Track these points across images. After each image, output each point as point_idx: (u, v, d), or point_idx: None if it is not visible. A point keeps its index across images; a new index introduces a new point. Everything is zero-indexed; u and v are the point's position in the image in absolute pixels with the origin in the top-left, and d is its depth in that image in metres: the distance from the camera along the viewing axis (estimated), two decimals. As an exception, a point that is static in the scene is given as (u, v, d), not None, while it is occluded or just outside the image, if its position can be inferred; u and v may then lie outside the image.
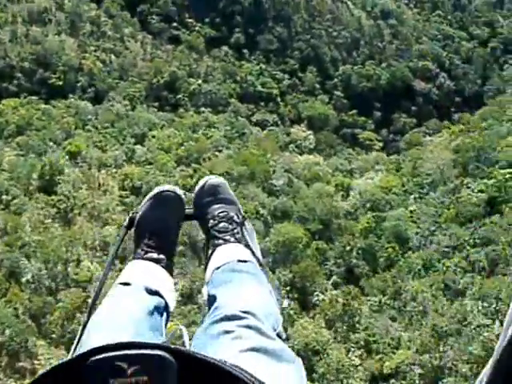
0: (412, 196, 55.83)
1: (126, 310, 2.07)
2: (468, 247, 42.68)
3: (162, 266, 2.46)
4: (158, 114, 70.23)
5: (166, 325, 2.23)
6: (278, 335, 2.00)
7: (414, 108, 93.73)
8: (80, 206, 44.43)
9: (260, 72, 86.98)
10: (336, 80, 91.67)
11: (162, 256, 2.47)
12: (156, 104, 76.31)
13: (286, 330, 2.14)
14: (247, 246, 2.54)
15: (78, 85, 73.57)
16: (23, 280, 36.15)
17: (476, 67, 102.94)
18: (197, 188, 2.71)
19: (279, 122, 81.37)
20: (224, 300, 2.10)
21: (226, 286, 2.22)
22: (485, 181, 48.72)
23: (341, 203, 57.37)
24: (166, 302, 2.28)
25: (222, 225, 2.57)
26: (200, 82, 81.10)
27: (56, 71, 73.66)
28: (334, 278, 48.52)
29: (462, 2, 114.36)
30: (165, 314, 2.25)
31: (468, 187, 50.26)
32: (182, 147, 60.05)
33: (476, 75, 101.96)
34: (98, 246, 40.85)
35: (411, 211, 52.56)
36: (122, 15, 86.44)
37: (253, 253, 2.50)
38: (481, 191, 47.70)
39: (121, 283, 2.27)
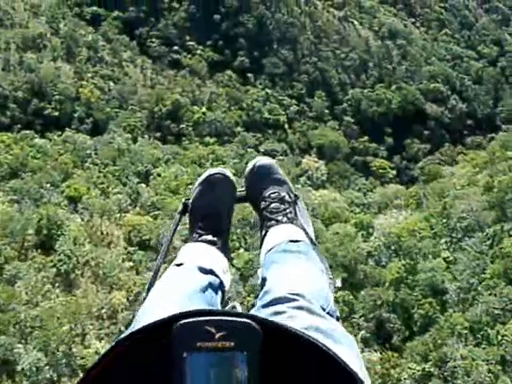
0: (443, 241, 51.18)
1: (180, 287, 2.06)
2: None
3: (217, 248, 2.43)
4: (161, 148, 65.45)
5: (221, 303, 2.22)
6: (329, 314, 1.95)
7: (426, 132, 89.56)
8: (83, 263, 39.60)
9: (266, 98, 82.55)
10: (345, 105, 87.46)
11: (216, 238, 2.45)
12: (158, 134, 71.72)
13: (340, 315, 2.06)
14: (300, 225, 2.48)
15: (75, 115, 68.89)
16: (18, 368, 31.07)
17: (487, 88, 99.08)
18: (247, 170, 2.67)
19: (288, 151, 76.87)
20: (274, 283, 2.06)
21: (277, 267, 2.19)
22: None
23: (362, 244, 52.82)
24: (220, 281, 2.25)
25: (273, 205, 2.54)
26: (204, 109, 76.66)
27: (51, 101, 68.99)
28: (363, 332, 43.97)
29: (468, 20, 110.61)
30: (220, 292, 2.23)
31: (510, 235, 45.69)
32: (191, 186, 55.41)
33: (488, 96, 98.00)
34: (104, 314, 36.03)
35: (446, 260, 48.01)
36: (120, 39, 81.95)
37: (305, 232, 2.44)
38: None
39: (175, 265, 2.26)
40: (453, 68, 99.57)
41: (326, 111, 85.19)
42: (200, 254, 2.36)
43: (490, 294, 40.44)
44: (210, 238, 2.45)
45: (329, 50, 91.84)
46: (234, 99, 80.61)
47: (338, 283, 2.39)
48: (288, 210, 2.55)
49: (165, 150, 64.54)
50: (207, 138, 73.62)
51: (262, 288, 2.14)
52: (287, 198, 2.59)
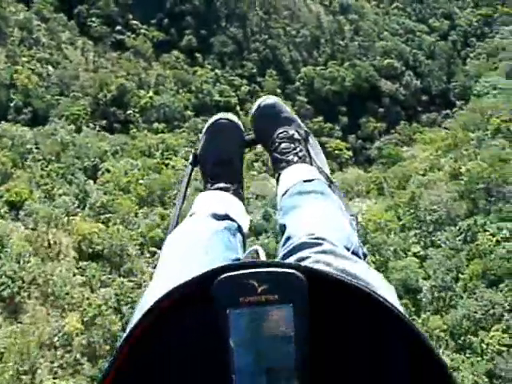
0: (412, 233, 48.73)
1: (195, 237, 2.00)
2: (506, 315, 35.73)
3: (231, 193, 2.38)
4: (107, 138, 60.74)
5: (243, 246, 2.17)
6: (354, 253, 1.87)
7: (380, 110, 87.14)
8: (28, 282, 35.38)
9: (216, 79, 78.39)
10: (298, 84, 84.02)
11: (229, 184, 2.41)
12: (104, 122, 66.95)
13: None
14: (313, 163, 2.44)
15: (11, 104, 63.37)
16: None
17: (440, 63, 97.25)
18: (252, 112, 2.61)
19: (242, 135, 73.10)
20: (293, 228, 2.00)
21: (294, 212, 2.13)
22: (507, 225, 41.97)
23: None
24: (238, 225, 2.19)
25: (283, 145, 2.49)
26: (151, 93, 72.04)
27: (-17, 90, 63.46)
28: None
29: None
30: (239, 235, 2.17)
31: (485, 230, 43.38)
32: (142, 182, 51.44)
33: (441, 72, 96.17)
34: (57, 342, 32.08)
35: (417, 255, 45.61)
36: (57, 18, 75.99)
37: (319, 169, 2.39)
38: (506, 239, 40.80)
39: (189, 216, 2.22)
40: (405, 43, 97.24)
41: (279, 91, 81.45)
42: (213, 201, 2.29)
43: (469, 297, 38.09)
44: (222, 185, 2.39)
45: (279, 27, 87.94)
46: (182, 81, 76.15)
47: (360, 217, 1.95)
48: (298, 149, 2.47)
49: (112, 141, 59.95)
50: (156, 124, 69.30)
51: (282, 235, 2.06)
52: (297, 135, 2.52)
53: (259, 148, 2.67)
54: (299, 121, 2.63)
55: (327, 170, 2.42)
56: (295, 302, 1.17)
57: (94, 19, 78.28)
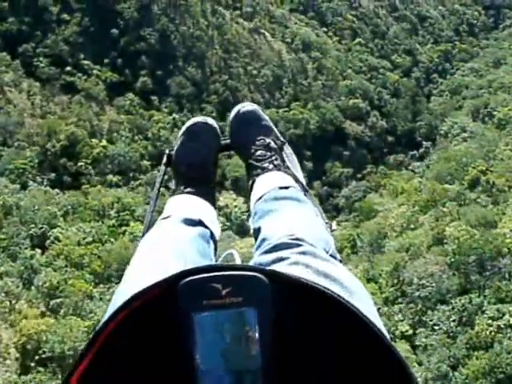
0: (396, 308, 44.28)
1: (170, 242, 1.99)
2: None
3: (203, 198, 2.37)
4: (57, 197, 54.82)
5: (214, 253, 2.18)
6: (332, 256, 1.90)
7: (346, 153, 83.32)
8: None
9: (174, 124, 73.13)
10: (261, 127, 79.48)
11: (202, 188, 2.40)
12: (53, 175, 61.11)
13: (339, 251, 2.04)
14: (288, 171, 2.43)
15: None
16: None
17: (405, 101, 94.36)
18: (230, 117, 2.62)
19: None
20: (270, 230, 1.99)
21: (270, 215, 2.13)
22: (510, 308, 37.76)
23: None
24: (210, 231, 2.20)
25: (259, 153, 2.48)
26: (104, 142, 66.49)
27: None
28: None
29: (380, 28, 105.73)
30: (212, 243, 2.18)
31: (482, 311, 39.14)
32: (97, 252, 45.88)
33: (406, 111, 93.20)
34: None
35: (405, 336, 41.23)
36: None
37: (295, 178, 2.39)
38: (510, 326, 36.56)
39: (162, 219, 2.20)
40: (369, 81, 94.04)
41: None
42: (186, 205, 2.29)
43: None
44: (195, 189, 2.38)
45: (240, 66, 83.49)
46: (138, 128, 70.86)
47: (334, 226, 2.26)
48: (274, 157, 2.48)
49: (62, 201, 54.12)
50: (110, 177, 63.78)
51: (256, 238, 2.06)
52: (273, 144, 2.53)
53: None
54: (276, 130, 2.62)
55: (302, 180, 2.43)
56: (259, 304, 1.18)
57: (41, 59, 72.40)
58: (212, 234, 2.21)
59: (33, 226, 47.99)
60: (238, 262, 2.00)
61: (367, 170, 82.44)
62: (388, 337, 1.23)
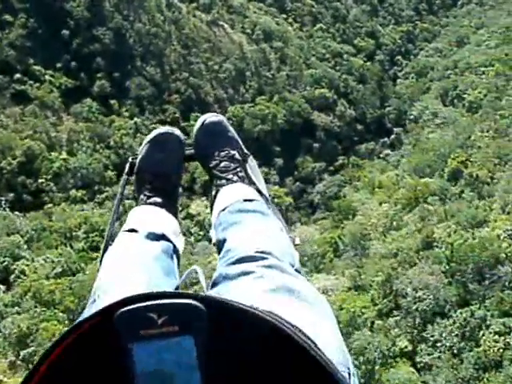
0: (392, 321, 41.73)
1: (134, 258, 2.01)
2: None
3: (167, 210, 2.38)
4: (19, 223, 50.59)
5: (178, 267, 2.20)
6: (297, 271, 1.93)
7: (316, 145, 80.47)
8: None
9: (136, 128, 69.09)
10: (226, 125, 75.88)
11: (165, 199, 2.40)
12: (12, 196, 56.86)
13: (303, 265, 2.06)
14: (252, 183, 2.45)
15: None
16: None
17: (372, 87, 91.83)
18: (196, 128, 2.62)
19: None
20: (235, 242, 2.02)
21: (235, 227, 2.14)
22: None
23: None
24: (174, 245, 2.22)
25: (223, 164, 2.50)
26: (64, 155, 62.25)
27: None
28: None
29: (341, 12, 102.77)
30: (175, 257, 2.19)
31: (487, 325, 36.78)
32: (68, 283, 42.14)
33: (374, 96, 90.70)
34: None
35: (404, 352, 38.77)
36: None
37: (258, 191, 2.41)
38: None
39: (125, 231, 2.19)
40: (334, 68, 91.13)
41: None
42: (149, 218, 2.28)
43: None
44: (158, 199, 2.37)
45: (200, 62, 79.57)
46: (99, 136, 66.62)
47: (297, 241, 2.26)
48: (238, 169, 2.49)
49: (24, 226, 50.02)
50: (73, 192, 59.78)
51: (220, 249, 2.08)
52: (237, 156, 2.53)
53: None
54: (241, 142, 2.61)
55: (266, 193, 2.42)
56: (196, 331, 1.18)
57: (-13, 67, 67.35)
58: (175, 247, 2.20)
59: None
60: (202, 279, 1.90)
61: (339, 162, 79.86)
62: (339, 359, 1.24)
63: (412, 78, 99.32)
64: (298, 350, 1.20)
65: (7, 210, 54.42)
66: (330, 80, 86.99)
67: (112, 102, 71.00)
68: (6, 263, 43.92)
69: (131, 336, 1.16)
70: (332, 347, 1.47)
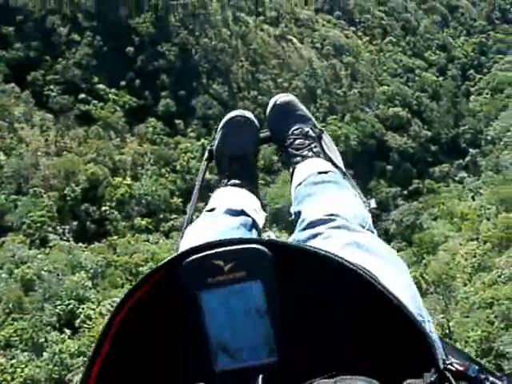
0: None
1: (215, 228, 2.04)
2: None
3: (246, 189, 2.41)
4: (83, 259, 47.38)
5: None
6: (370, 231, 1.93)
7: (389, 167, 75.91)
8: None
9: (203, 150, 65.54)
10: (297, 147, 72.08)
11: (244, 181, 2.44)
12: (75, 224, 53.97)
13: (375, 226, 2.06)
14: (327, 158, 2.45)
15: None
16: None
17: (447, 105, 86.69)
18: (268, 110, 2.64)
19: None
20: (309, 211, 2.02)
21: (309, 198, 2.16)
22: None
23: None
24: (253, 219, 2.22)
25: (298, 141, 2.50)
26: (128, 180, 59.12)
27: None
28: None
29: (411, 24, 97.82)
30: (254, 230, 2.19)
31: None
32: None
33: (449, 115, 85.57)
34: None
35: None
36: (7, 89, 62.46)
37: (334, 164, 2.41)
38: None
39: (206, 211, 2.25)
40: (406, 84, 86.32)
41: (275, 158, 69.52)
42: (229, 197, 2.32)
43: None
44: (238, 181, 2.41)
45: (269, 79, 75.79)
46: (164, 159, 63.36)
47: (373, 204, 2.22)
48: (313, 145, 2.49)
49: (88, 262, 46.81)
50: (138, 220, 56.58)
51: (297, 221, 2.08)
52: (311, 132, 2.53)
53: None
54: (314, 119, 2.62)
55: (341, 165, 2.43)
56: (263, 276, 1.17)
57: (52, 87, 64.83)
58: (254, 221, 2.20)
59: (58, 301, 40.90)
60: None
61: (413, 185, 75.14)
62: (413, 308, 1.19)
63: (487, 93, 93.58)
64: (374, 294, 1.17)
65: (71, 239, 51.69)
66: (403, 97, 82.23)
67: (177, 121, 67.71)
68: (71, 306, 40.69)
69: (199, 284, 1.16)
70: (407, 297, 1.41)
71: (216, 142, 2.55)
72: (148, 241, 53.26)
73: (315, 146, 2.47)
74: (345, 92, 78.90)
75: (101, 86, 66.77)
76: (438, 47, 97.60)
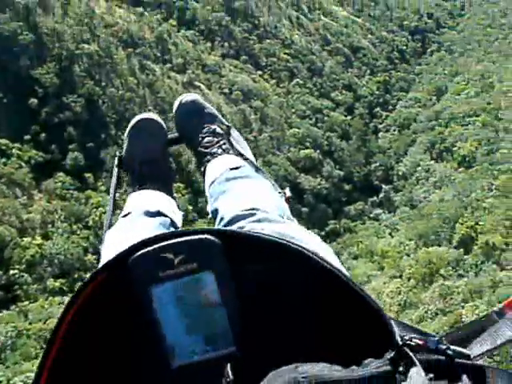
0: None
1: (134, 230, 2.00)
2: None
3: (160, 191, 2.39)
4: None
5: None
6: (289, 220, 1.95)
7: (304, 209, 75.78)
8: None
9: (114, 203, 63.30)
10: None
11: (158, 184, 2.41)
12: (-21, 292, 50.46)
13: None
14: (237, 153, 2.46)
15: None
16: None
17: (356, 144, 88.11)
18: (174, 111, 2.63)
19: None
20: (226, 208, 2.02)
21: (225, 195, 2.16)
22: None
23: None
24: (171, 219, 2.21)
25: (206, 140, 2.51)
26: (39, 239, 56.08)
27: None
28: None
29: (316, 66, 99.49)
30: (172, 230, 2.15)
31: None
32: None
33: (360, 153, 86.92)
34: None
35: None
36: None
37: (244, 158, 2.41)
38: None
39: (121, 217, 2.21)
40: (316, 125, 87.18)
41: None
42: (144, 200, 2.28)
43: None
44: (151, 184, 2.38)
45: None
46: (75, 215, 60.67)
47: (288, 193, 2.24)
48: (222, 142, 2.49)
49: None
50: (50, 281, 53.59)
51: (215, 219, 2.08)
52: (219, 129, 2.54)
53: None
54: (220, 116, 2.63)
55: (252, 158, 2.42)
56: (214, 266, 1.16)
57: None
58: (173, 221, 2.18)
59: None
60: None
61: (330, 226, 75.34)
62: (351, 280, 1.18)
63: (394, 130, 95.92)
64: (320, 272, 1.17)
65: (-24, 309, 48.22)
66: (314, 139, 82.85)
67: (87, 175, 65.20)
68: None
69: (149, 279, 1.13)
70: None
71: (124, 148, 2.52)
72: (63, 303, 50.34)
73: (224, 143, 2.47)
74: (255, 137, 78.59)
75: (2, 140, 63.46)
76: (344, 87, 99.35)
